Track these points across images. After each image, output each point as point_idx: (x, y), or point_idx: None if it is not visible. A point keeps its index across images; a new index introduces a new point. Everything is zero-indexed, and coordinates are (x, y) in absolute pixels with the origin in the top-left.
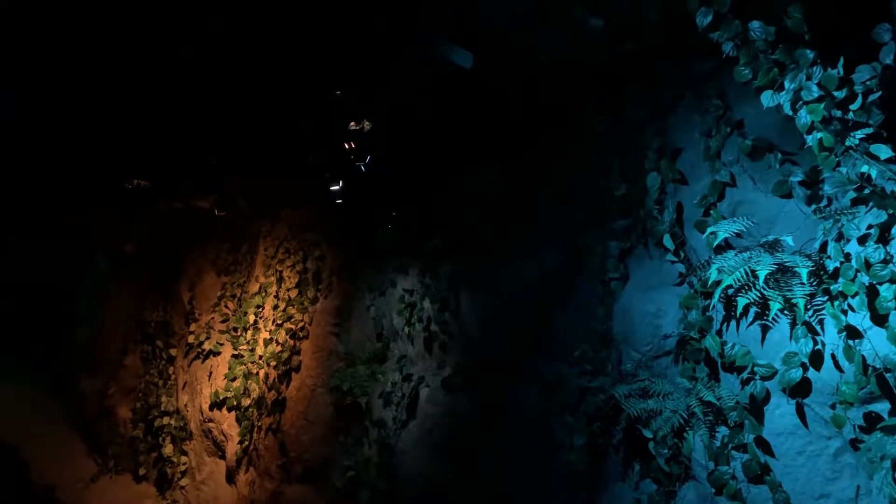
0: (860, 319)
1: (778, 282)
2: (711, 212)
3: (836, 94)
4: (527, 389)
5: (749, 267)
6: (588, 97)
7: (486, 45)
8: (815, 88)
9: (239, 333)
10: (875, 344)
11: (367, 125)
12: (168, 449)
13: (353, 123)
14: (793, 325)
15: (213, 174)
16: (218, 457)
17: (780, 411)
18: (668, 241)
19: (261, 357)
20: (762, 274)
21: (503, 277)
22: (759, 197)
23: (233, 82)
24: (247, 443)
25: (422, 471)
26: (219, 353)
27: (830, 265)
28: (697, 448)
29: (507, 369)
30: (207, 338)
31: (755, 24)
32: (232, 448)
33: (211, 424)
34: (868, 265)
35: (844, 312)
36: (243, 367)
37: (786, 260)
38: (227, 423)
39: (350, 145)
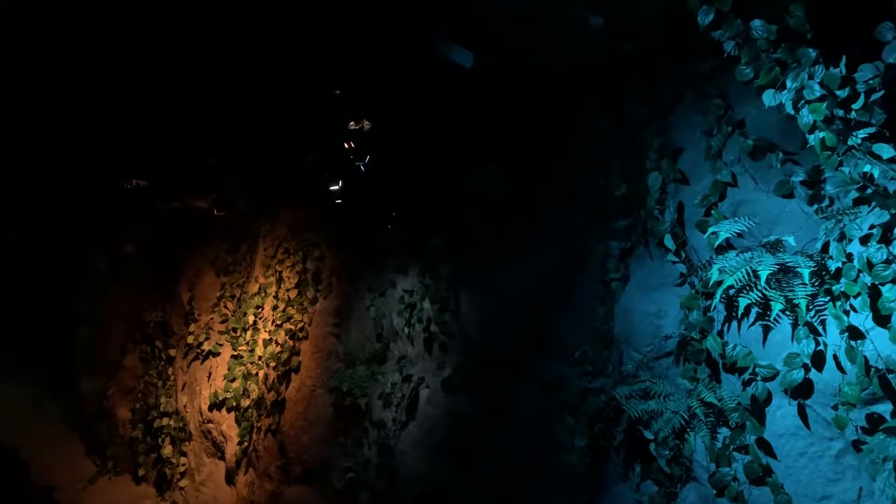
0: (862, 320)
1: (780, 282)
2: (713, 212)
3: (838, 93)
4: (527, 390)
5: (751, 267)
6: (588, 97)
7: (486, 45)
8: (817, 87)
9: (238, 334)
10: (877, 345)
11: (366, 125)
12: (167, 450)
13: (352, 123)
14: (795, 325)
15: (213, 174)
16: (217, 458)
17: (781, 412)
18: (669, 242)
19: (260, 358)
20: (764, 274)
21: (503, 277)
22: (761, 197)
23: (233, 82)
24: (246, 444)
25: (422, 472)
26: (218, 354)
27: (832, 265)
28: (699, 449)
29: (508, 370)
30: (207, 338)
31: (757, 22)
32: (231, 449)
33: (210, 425)
34: (870, 265)
35: (846, 313)
36: (243, 367)
37: (787, 260)
38: (227, 423)
39: (350, 145)
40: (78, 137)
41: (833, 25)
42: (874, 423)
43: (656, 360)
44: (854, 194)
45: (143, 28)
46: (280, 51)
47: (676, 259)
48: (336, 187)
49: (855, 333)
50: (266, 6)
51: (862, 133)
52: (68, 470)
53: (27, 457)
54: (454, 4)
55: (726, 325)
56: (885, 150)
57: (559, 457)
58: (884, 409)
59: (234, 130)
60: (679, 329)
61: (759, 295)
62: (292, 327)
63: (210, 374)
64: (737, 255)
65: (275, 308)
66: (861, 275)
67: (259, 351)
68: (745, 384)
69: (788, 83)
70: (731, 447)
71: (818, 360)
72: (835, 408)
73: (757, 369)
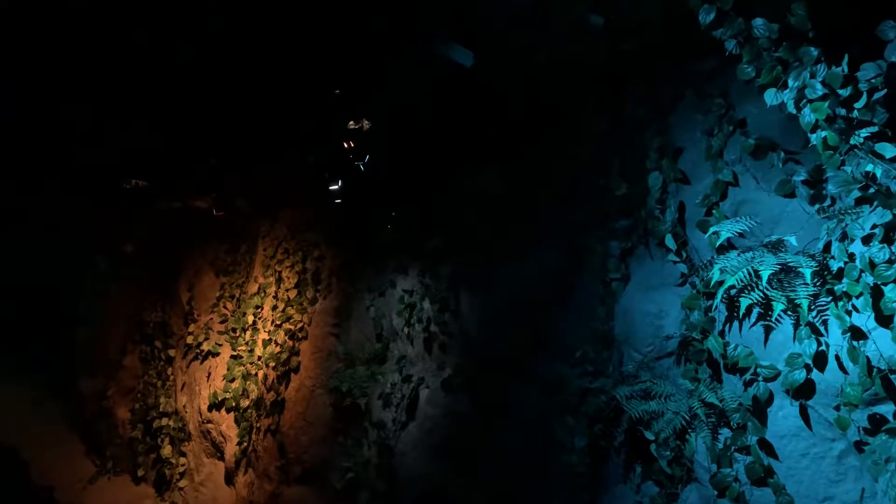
0: (864, 320)
1: (781, 282)
2: (714, 211)
3: (840, 92)
4: (527, 390)
5: (752, 267)
6: (588, 97)
7: (486, 45)
8: (819, 86)
9: (238, 334)
10: (880, 345)
11: (366, 124)
12: (167, 450)
13: (352, 123)
14: (796, 325)
15: (213, 174)
16: (217, 458)
17: (783, 413)
18: (669, 241)
19: (260, 358)
20: (765, 274)
21: (503, 277)
22: (762, 196)
23: (232, 82)
24: (245, 444)
25: (421, 472)
26: (217, 354)
27: (834, 265)
28: (700, 450)
29: (508, 370)
30: (206, 338)
31: (758, 21)
32: (231, 449)
33: (210, 425)
34: (872, 265)
35: (848, 313)
36: (242, 367)
37: (789, 260)
38: (226, 424)
39: (349, 145)
40: (78, 137)
41: (835, 24)
42: (876, 424)
43: (657, 360)
44: (856, 194)
45: (143, 28)
46: (280, 51)
47: (677, 259)
48: (336, 187)
49: (857, 334)
50: (266, 6)
51: (864, 132)
52: (68, 470)
53: (27, 457)
54: (454, 4)
55: (727, 325)
56: (887, 150)
57: (559, 457)
58: (886, 409)
59: (234, 130)
60: (680, 329)
61: (761, 295)
62: (292, 327)
63: (209, 374)
64: (738, 254)
65: (274, 308)
66: (863, 275)
67: (258, 351)
68: (747, 385)
69: (790, 82)
70: (733, 448)
71: (820, 360)
72: (837, 408)
73: (758, 370)
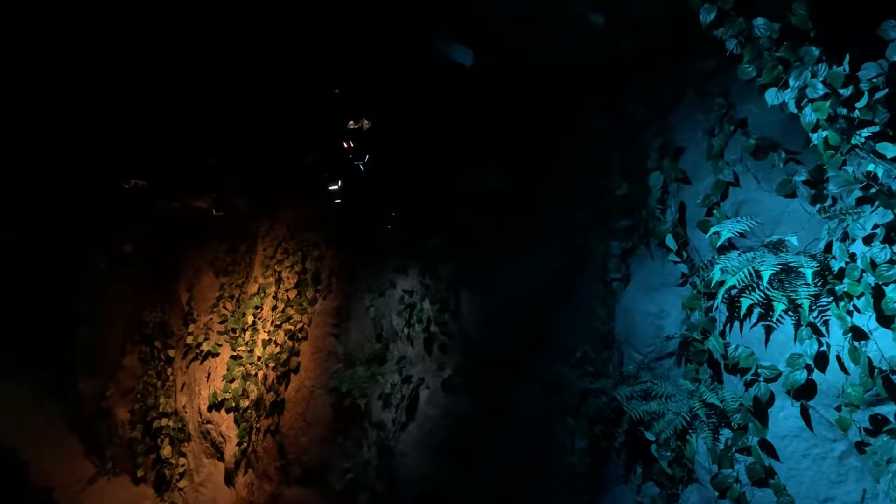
0: (866, 320)
1: (782, 282)
2: (715, 211)
3: (841, 91)
4: (527, 391)
5: (753, 267)
6: (589, 96)
7: (487, 44)
8: (820, 86)
9: (237, 334)
10: (881, 345)
11: (366, 124)
12: (166, 450)
13: (352, 122)
14: (797, 326)
15: (212, 174)
16: (216, 458)
17: (784, 413)
18: (670, 241)
19: (259, 358)
20: (766, 274)
21: (503, 277)
22: (763, 196)
23: (232, 82)
24: (245, 444)
25: (421, 473)
26: (217, 355)
27: (835, 265)
28: (701, 451)
29: (508, 370)
30: (206, 339)
31: (759, 20)
32: (230, 450)
33: (209, 426)
34: (874, 265)
35: (850, 313)
36: (242, 368)
37: (790, 260)
38: (226, 424)
39: (349, 145)
40: (78, 137)
41: (836, 23)
42: (878, 425)
43: (658, 360)
44: (857, 194)
45: (143, 28)
46: (280, 51)
47: (678, 259)
48: (335, 187)
49: (858, 334)
50: (266, 6)
51: (865, 132)
52: (67, 470)
53: (26, 457)
54: (454, 4)
55: (728, 325)
56: (888, 149)
57: (560, 458)
58: (887, 410)
59: (234, 130)
60: (681, 329)
61: (762, 295)
62: (291, 328)
63: (209, 374)
64: (739, 255)
65: (274, 308)
66: (864, 275)
67: (258, 351)
68: (748, 385)
69: (791, 82)
70: (734, 448)
71: (821, 360)
72: (838, 409)
73: (759, 370)
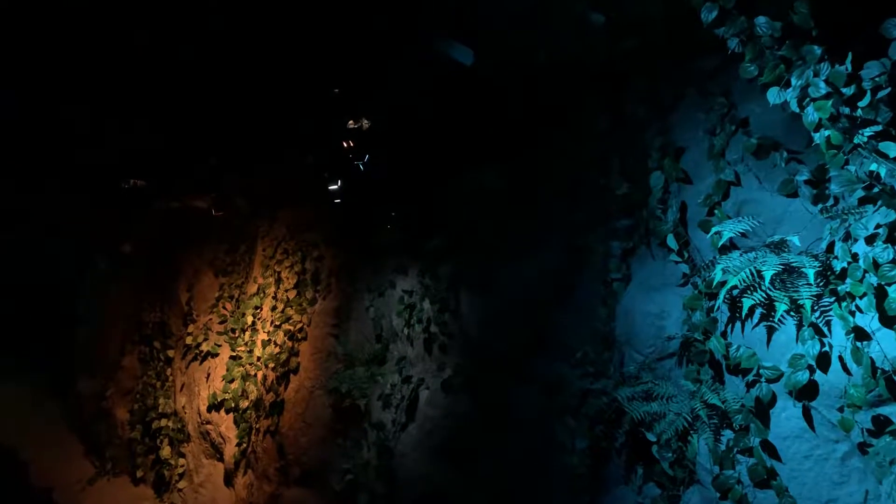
0: (868, 321)
1: (784, 282)
2: (716, 211)
3: (843, 90)
4: (527, 391)
5: (754, 267)
6: (589, 96)
7: (487, 44)
8: (822, 85)
9: (237, 335)
10: (884, 346)
11: (365, 124)
12: (166, 451)
13: (351, 122)
14: (799, 326)
15: (212, 174)
16: (216, 459)
17: (786, 414)
18: (671, 241)
19: (259, 358)
20: (768, 274)
21: (503, 278)
22: (765, 196)
23: (232, 82)
24: (245, 445)
25: (421, 473)
26: (217, 355)
27: (838, 265)
28: (702, 452)
29: (508, 371)
30: (205, 339)
31: (761, 19)
32: (230, 450)
33: (209, 426)
34: (876, 265)
35: (852, 314)
36: (241, 368)
37: (792, 260)
38: (225, 425)
39: (349, 144)
40: (78, 137)
41: (838, 22)
42: (880, 426)
43: (659, 361)
44: (860, 193)
45: (144, 28)
46: (280, 50)
47: (679, 259)
48: (335, 187)
49: (861, 334)
50: (266, 6)
51: (868, 131)
52: (67, 471)
53: (26, 457)
54: (454, 4)
55: (730, 325)
56: (891, 149)
57: (560, 458)
58: (890, 411)
59: (234, 130)
60: (682, 330)
61: (763, 295)
62: (291, 328)
63: (209, 375)
64: (740, 255)
65: (273, 309)
66: (867, 275)
67: (258, 352)
68: (749, 386)
69: (793, 81)
70: (735, 449)
71: (823, 361)
72: (840, 410)
73: (761, 371)
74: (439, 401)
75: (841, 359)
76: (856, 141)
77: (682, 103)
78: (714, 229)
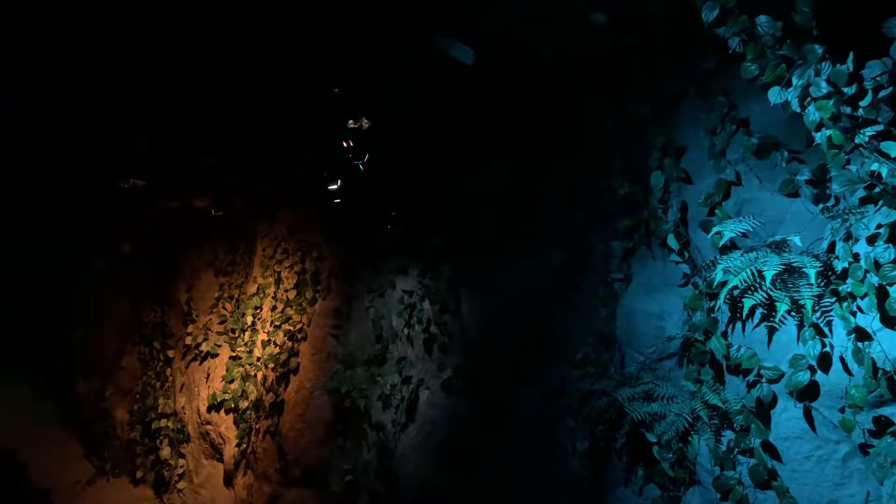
0: (869, 321)
1: (785, 282)
2: (717, 211)
3: (845, 90)
4: (528, 392)
5: (755, 267)
6: (590, 95)
7: (487, 43)
8: (823, 85)
9: (237, 335)
10: (885, 346)
11: (365, 123)
12: (165, 451)
13: (351, 122)
14: (800, 326)
15: (212, 174)
16: (215, 459)
17: (787, 415)
18: (672, 241)
19: (259, 359)
20: (769, 274)
21: (504, 278)
22: (766, 196)
23: (232, 82)
24: (244, 445)
25: (421, 474)
26: (216, 355)
27: (839, 265)
28: (702, 452)
29: (508, 371)
30: (205, 339)
31: (762, 18)
32: (230, 451)
33: (208, 427)
34: (878, 265)
35: (853, 314)
36: (241, 368)
37: (793, 260)
38: (225, 425)
39: (349, 144)
40: (77, 137)
41: (840, 21)
42: (882, 426)
43: (659, 361)
44: (861, 193)
45: (143, 28)
46: (280, 50)
47: (680, 259)
48: (335, 187)
49: (862, 335)
50: (265, 5)
51: (869, 131)
52: (66, 471)
53: (25, 458)
54: (454, 4)
55: (730, 326)
56: (892, 148)
57: (560, 459)
58: (891, 411)
59: (234, 130)
60: (682, 330)
61: (764, 295)
62: (291, 328)
63: (208, 375)
64: (741, 255)
65: (273, 309)
66: (868, 275)
67: (257, 352)
68: (750, 386)
69: (794, 80)
70: (736, 450)
71: (824, 361)
72: (841, 410)
73: (762, 371)
74: (439, 401)
75: (842, 359)
76: (857, 140)
77: (683, 103)
78: (715, 229)
